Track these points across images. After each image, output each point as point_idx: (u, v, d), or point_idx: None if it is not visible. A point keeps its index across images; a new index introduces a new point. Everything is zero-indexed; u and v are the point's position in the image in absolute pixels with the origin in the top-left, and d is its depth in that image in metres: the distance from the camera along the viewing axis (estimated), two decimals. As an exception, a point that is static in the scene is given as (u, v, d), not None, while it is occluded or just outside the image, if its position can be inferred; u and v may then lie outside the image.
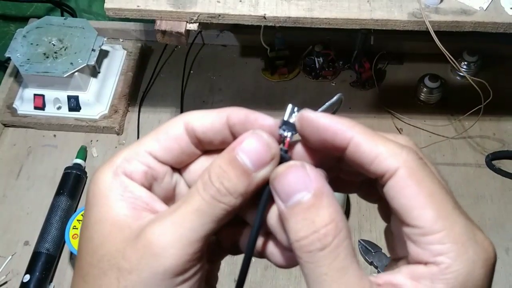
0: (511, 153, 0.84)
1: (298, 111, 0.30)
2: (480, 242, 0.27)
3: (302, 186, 0.27)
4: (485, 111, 0.74)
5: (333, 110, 0.41)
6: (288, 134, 0.30)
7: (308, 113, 0.29)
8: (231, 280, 0.72)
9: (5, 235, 0.78)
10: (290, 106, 0.31)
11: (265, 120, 0.30)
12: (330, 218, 0.26)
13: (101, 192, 0.30)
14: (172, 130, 0.31)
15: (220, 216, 0.28)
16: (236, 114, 0.30)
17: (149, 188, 0.31)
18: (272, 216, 0.30)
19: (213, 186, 0.28)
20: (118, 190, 0.30)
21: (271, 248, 0.31)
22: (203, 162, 0.32)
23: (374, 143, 0.28)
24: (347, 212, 0.78)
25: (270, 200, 0.29)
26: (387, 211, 0.31)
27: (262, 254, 0.32)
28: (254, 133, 0.29)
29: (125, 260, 0.28)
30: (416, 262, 0.27)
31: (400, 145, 0.28)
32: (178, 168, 0.33)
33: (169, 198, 0.33)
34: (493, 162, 0.83)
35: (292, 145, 0.31)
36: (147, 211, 0.30)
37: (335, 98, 0.39)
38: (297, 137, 0.31)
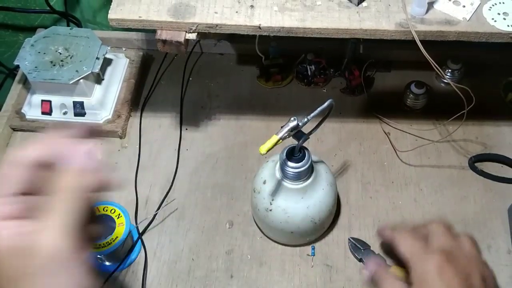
0: (492, 155, 0.84)
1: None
2: None
3: None
4: (468, 116, 0.74)
5: (325, 114, 0.42)
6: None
7: (382, 227, 0.58)
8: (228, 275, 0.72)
9: (13, 234, 0.78)
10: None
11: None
12: None
13: None
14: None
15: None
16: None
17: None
18: None
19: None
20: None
21: None
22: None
23: (408, 248, 0.53)
24: (337, 211, 0.78)
25: None
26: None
27: None
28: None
29: (40, 268, 0.36)
30: None
31: (429, 250, 0.53)
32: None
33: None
34: (476, 164, 0.83)
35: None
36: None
37: (326, 103, 0.40)
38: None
